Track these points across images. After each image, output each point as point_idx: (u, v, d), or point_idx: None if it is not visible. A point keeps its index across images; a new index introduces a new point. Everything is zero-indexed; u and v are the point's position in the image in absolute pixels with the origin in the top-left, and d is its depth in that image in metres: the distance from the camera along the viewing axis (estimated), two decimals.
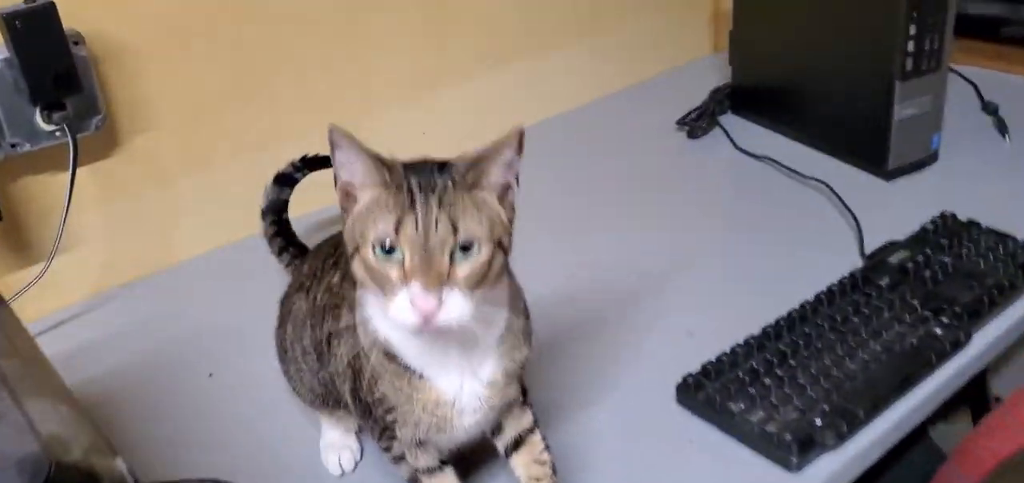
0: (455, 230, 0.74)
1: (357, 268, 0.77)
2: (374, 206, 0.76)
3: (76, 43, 1.18)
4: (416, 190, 0.75)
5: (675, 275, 1.30)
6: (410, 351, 0.81)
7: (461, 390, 0.83)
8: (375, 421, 0.87)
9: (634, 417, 1.06)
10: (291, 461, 1.02)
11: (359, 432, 1.02)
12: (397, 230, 0.74)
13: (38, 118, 1.17)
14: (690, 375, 1.07)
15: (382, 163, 0.76)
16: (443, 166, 0.78)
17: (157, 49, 1.30)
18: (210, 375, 1.15)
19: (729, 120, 1.71)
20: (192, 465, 1.02)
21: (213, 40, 1.35)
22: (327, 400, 0.97)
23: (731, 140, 1.64)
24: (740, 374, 1.05)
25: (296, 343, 0.97)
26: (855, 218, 1.36)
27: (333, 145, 0.76)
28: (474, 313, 0.75)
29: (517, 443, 0.91)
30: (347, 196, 0.79)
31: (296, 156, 1.44)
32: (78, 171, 1.25)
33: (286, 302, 1.02)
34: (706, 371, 1.06)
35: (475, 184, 0.77)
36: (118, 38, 1.26)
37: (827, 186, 1.45)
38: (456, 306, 0.74)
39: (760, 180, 1.53)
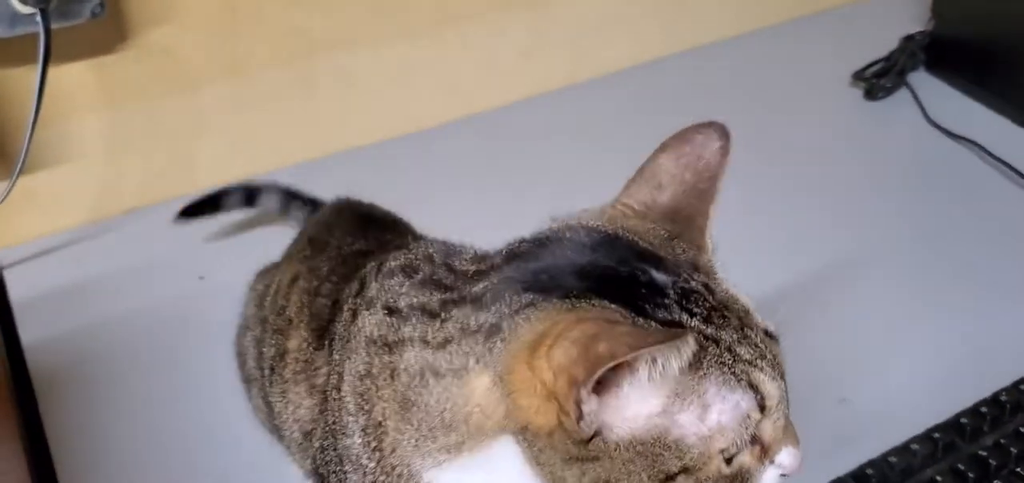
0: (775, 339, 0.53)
1: None
2: (689, 397, 0.48)
3: None
4: (705, 322, 0.50)
5: (830, 298, 0.95)
6: None
7: None
8: None
9: None
10: None
11: None
12: (763, 405, 0.49)
13: None
14: (838, 480, 0.73)
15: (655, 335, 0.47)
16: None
17: None
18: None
19: (922, 80, 1.30)
20: None
21: None
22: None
23: (922, 109, 1.24)
24: None
25: (247, 357, 0.71)
26: None
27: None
28: None
29: None
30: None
31: (352, 69, 1.15)
32: (75, 67, 1.01)
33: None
34: (863, 477, 0.73)
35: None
36: None
37: None
38: None
39: (958, 171, 1.14)
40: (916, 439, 0.75)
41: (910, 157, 1.20)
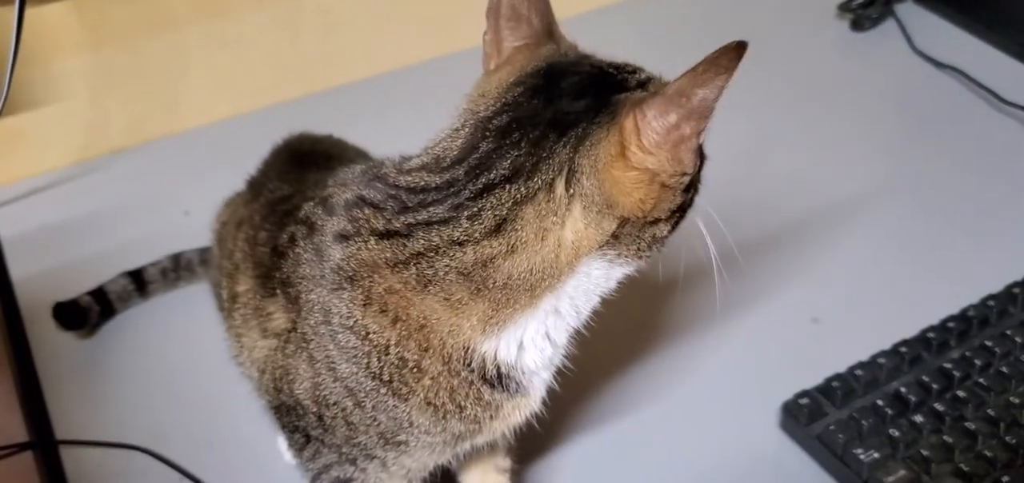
0: None
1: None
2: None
3: None
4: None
5: (807, 225, 0.96)
6: (536, 354, 0.58)
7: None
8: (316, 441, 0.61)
9: (708, 437, 0.76)
10: (244, 435, 0.77)
11: None
12: None
13: None
14: (804, 393, 0.75)
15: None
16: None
17: None
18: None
19: (909, 10, 1.30)
20: (123, 419, 0.79)
21: None
22: None
23: (908, 39, 1.24)
24: (879, 401, 0.73)
25: (220, 291, 0.72)
26: None
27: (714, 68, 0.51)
28: None
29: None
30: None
31: (335, 8, 1.15)
32: (57, 8, 1.02)
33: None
34: (829, 389, 0.74)
35: None
36: None
37: None
38: None
39: (942, 99, 1.15)
40: (883, 353, 0.77)
41: (895, 86, 1.20)
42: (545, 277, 0.54)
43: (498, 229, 0.54)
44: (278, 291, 0.61)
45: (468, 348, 0.56)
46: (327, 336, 0.57)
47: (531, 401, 0.60)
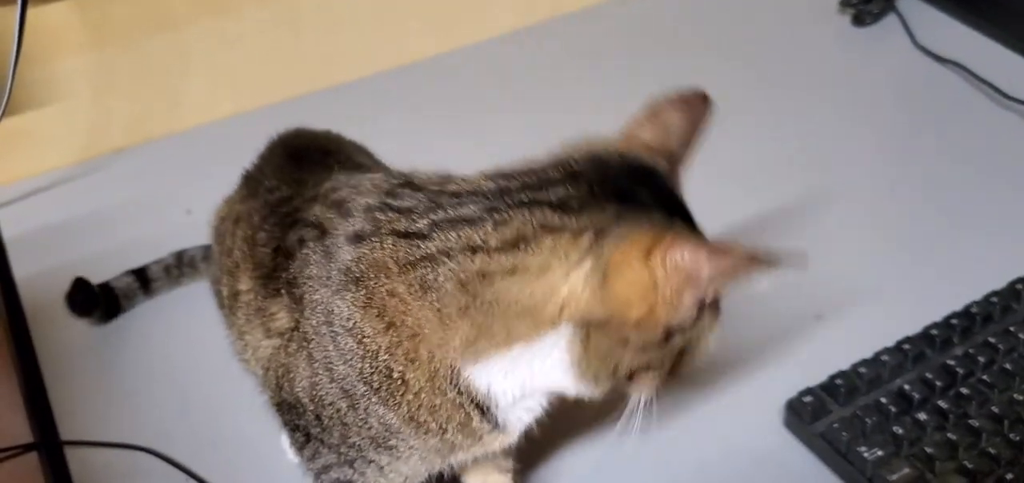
0: None
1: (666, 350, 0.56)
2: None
3: None
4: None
5: (810, 221, 0.96)
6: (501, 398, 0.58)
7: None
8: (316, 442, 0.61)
9: (712, 435, 0.76)
10: (248, 434, 0.77)
11: None
12: None
13: None
14: (808, 390, 0.75)
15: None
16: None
17: None
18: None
19: (910, 5, 1.30)
20: (128, 419, 0.79)
21: None
22: None
23: (910, 34, 1.24)
24: (882, 399, 0.73)
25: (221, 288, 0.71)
26: None
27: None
28: None
29: None
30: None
31: (336, 5, 1.16)
32: (59, 8, 1.02)
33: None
34: (833, 387, 0.74)
35: None
36: None
37: None
38: None
39: (944, 94, 1.14)
40: (886, 350, 0.77)
41: (897, 82, 1.19)
42: (524, 319, 0.54)
43: (514, 244, 0.54)
44: (283, 291, 0.61)
45: (454, 368, 0.56)
46: (328, 337, 0.58)
47: (508, 437, 0.61)
